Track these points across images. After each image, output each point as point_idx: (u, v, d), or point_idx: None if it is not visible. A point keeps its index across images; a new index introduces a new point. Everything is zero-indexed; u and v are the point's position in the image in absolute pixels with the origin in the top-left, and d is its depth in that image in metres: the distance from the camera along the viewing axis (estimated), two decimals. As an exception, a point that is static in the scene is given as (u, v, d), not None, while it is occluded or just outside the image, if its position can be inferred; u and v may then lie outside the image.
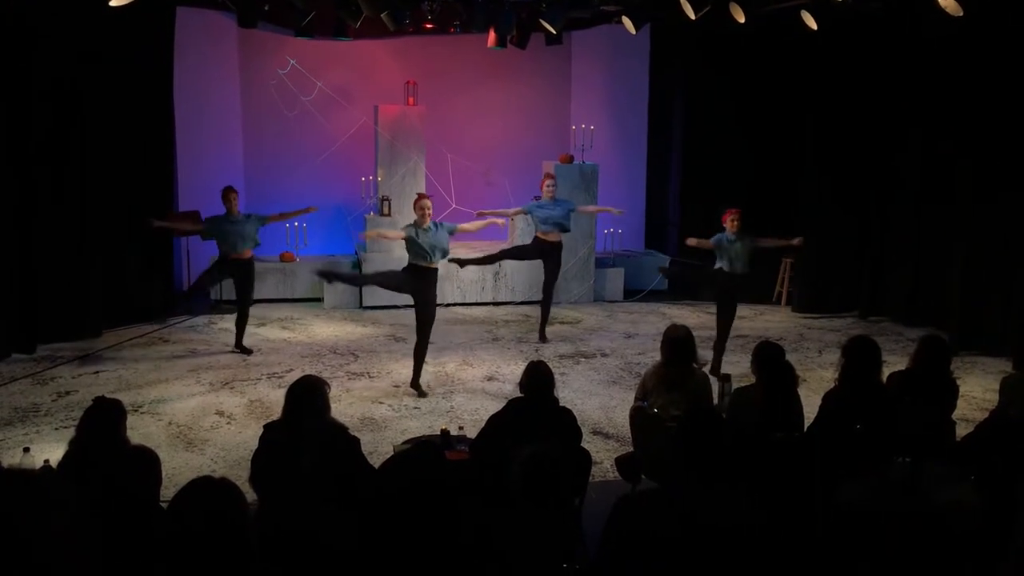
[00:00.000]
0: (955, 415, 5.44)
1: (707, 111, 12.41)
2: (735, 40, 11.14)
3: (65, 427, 6.90)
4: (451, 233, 8.16)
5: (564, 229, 9.80)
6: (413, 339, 8.15)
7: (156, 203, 10.82)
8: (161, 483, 3.48)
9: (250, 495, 3.70)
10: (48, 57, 8.96)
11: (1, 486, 2.38)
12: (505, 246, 12.11)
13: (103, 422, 4.14)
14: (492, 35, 10.94)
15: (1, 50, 8.46)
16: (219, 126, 12.44)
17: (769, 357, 5.21)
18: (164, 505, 3.14)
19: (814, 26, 9.65)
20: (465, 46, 12.63)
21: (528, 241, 11.96)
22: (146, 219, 9.39)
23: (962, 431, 5.30)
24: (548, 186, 9.83)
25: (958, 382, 5.49)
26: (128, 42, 9.96)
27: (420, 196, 8.06)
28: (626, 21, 10.11)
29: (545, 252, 9.80)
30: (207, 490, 2.45)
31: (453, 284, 11.74)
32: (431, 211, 7.92)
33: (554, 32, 11.28)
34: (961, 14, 8.17)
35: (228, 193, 9.19)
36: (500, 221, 10.10)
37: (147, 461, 3.37)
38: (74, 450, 4.10)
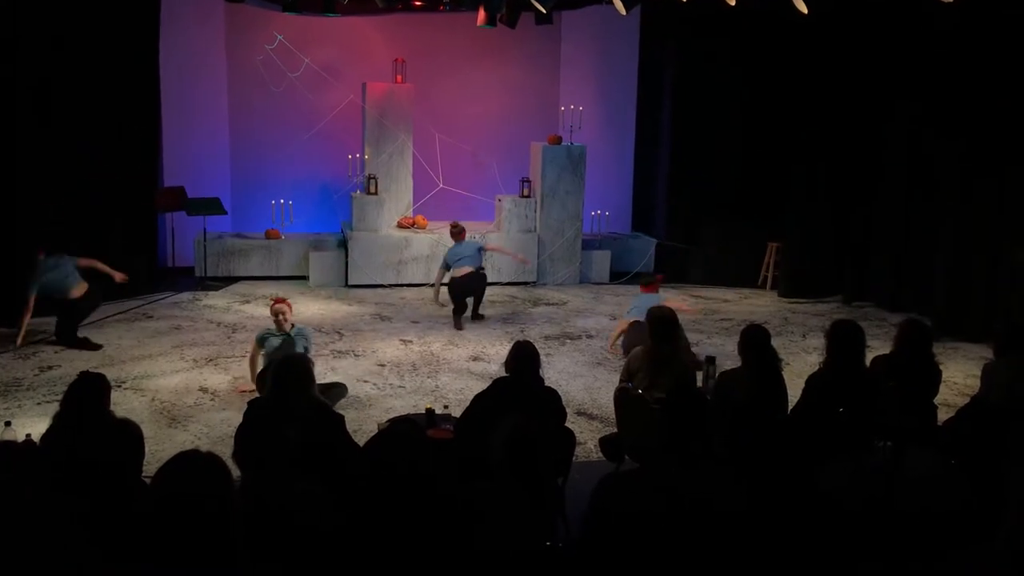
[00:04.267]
0: (937, 400, 5.48)
1: (696, 93, 12.40)
2: (725, 22, 11.10)
3: (47, 401, 6.87)
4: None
5: (476, 262, 9.98)
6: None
7: (141, 179, 10.76)
8: (144, 457, 3.47)
9: (234, 471, 3.69)
10: (30, 31, 8.85)
11: None
12: (491, 229, 12.11)
13: (88, 396, 4.12)
14: (482, 13, 10.87)
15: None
16: (205, 102, 12.34)
17: (755, 340, 5.23)
18: (147, 480, 3.14)
19: (804, 10, 9.62)
20: (454, 24, 12.56)
21: (514, 224, 12.00)
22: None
23: (943, 416, 5.35)
24: (454, 235, 10.22)
25: (940, 367, 5.53)
26: (113, 15, 9.85)
27: (276, 301, 7.13)
28: (616, 2, 10.02)
29: (466, 285, 9.88)
30: (193, 463, 2.44)
31: (439, 264, 11.69)
32: (287, 316, 7.05)
33: (544, 12, 11.20)
34: (952, 0, 8.17)
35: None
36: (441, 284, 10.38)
37: (131, 434, 3.36)
38: (58, 424, 4.08)
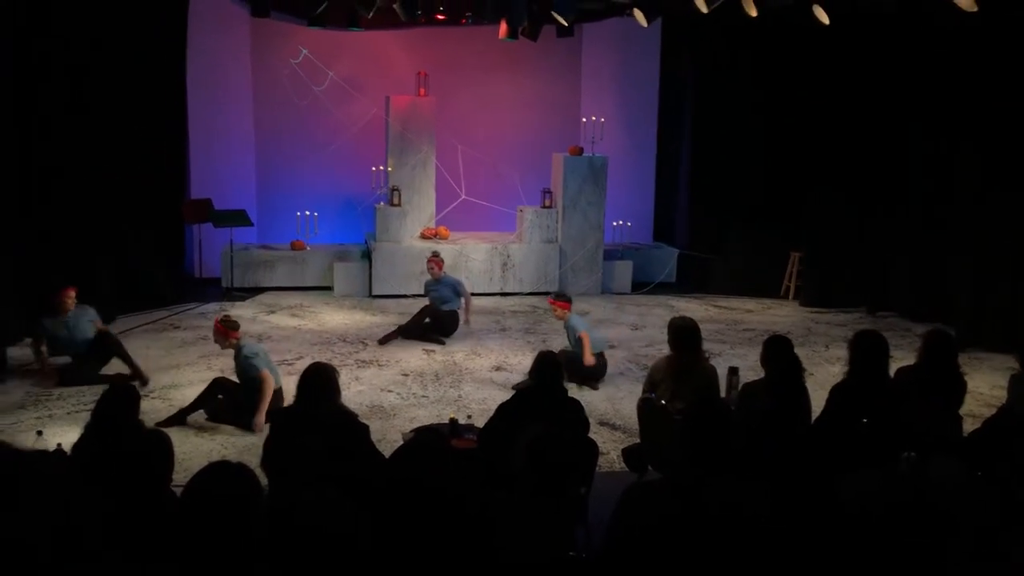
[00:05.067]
0: (962, 411, 5.45)
1: (718, 104, 12.40)
2: (747, 34, 11.12)
3: (77, 411, 6.97)
4: None
5: (456, 298, 9.58)
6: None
7: (169, 191, 10.92)
8: (174, 467, 3.53)
9: (262, 480, 3.74)
10: (60, 44, 9.00)
11: (16, 466, 2.43)
12: (513, 240, 12.16)
13: (118, 406, 4.19)
14: (503, 27, 10.95)
15: (14, 36, 8.49)
16: (231, 114, 12.49)
17: (779, 351, 5.22)
18: (176, 490, 3.19)
19: (826, 21, 9.62)
20: (476, 37, 12.65)
21: (536, 234, 12.03)
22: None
23: (969, 427, 5.32)
24: (429, 268, 9.66)
25: (965, 378, 5.49)
26: (141, 30, 10.01)
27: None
28: (638, 14, 10.09)
29: (443, 319, 9.58)
30: (224, 473, 2.49)
31: (462, 274, 11.76)
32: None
33: (565, 24, 11.28)
34: (975, 10, 8.14)
35: (64, 294, 7.84)
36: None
37: (161, 444, 3.42)
38: (89, 433, 4.15)
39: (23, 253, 8.83)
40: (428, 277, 9.76)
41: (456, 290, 9.64)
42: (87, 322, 7.94)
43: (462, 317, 9.63)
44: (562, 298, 8.46)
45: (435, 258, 9.68)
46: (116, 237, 9.94)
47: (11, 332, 8.52)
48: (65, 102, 9.14)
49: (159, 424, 6.53)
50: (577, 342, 8.07)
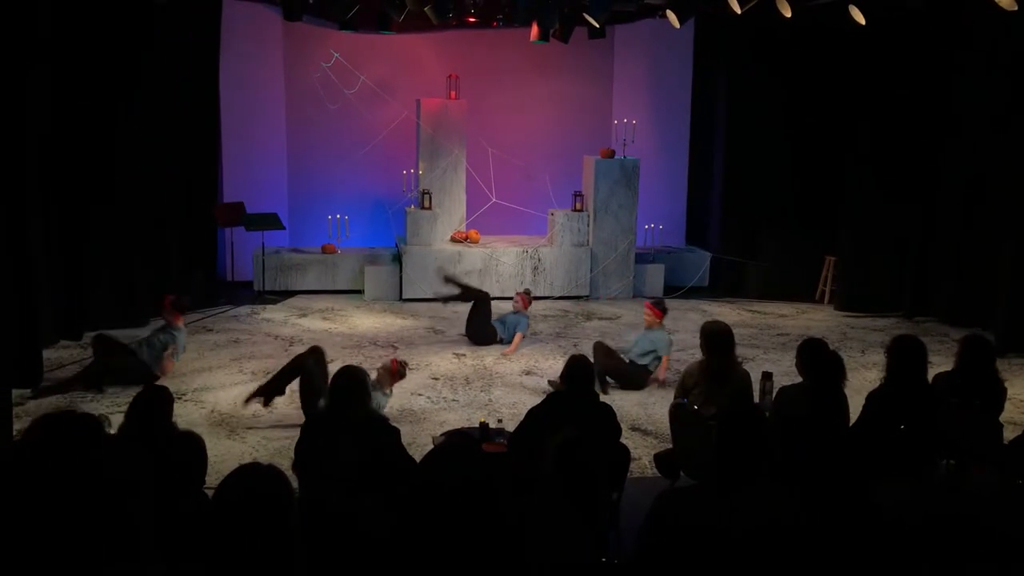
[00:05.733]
0: (1002, 418, 5.34)
1: (751, 106, 12.29)
2: (781, 35, 11.01)
3: (111, 413, 7.02)
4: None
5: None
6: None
7: (202, 194, 11.03)
8: (207, 468, 3.54)
9: (293, 482, 3.75)
10: (96, 49, 9.12)
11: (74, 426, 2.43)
12: (544, 243, 12.14)
13: (153, 407, 4.22)
14: (535, 29, 10.94)
15: (49, 43, 8.60)
16: (264, 118, 12.57)
17: (815, 354, 5.15)
18: (208, 491, 3.20)
19: (862, 21, 9.51)
20: (508, 40, 12.64)
21: (567, 238, 12.00)
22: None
23: (1010, 434, 5.21)
24: (515, 302, 9.59)
25: (1005, 384, 5.39)
26: (175, 35, 10.12)
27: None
28: (670, 15, 10.03)
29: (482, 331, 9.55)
30: (255, 475, 2.49)
31: (492, 278, 11.77)
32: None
33: (597, 26, 11.24)
34: (1015, 8, 8.01)
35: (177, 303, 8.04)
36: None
37: (194, 446, 3.44)
38: (123, 435, 4.18)
39: (61, 256, 8.95)
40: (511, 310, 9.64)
41: (515, 329, 9.41)
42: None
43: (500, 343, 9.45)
44: (660, 306, 8.46)
45: (525, 295, 9.58)
46: (150, 240, 10.04)
47: (48, 335, 8.64)
48: (101, 108, 9.25)
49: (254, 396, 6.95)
50: (654, 359, 8.16)
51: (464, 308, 9.79)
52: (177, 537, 3.05)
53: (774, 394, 5.47)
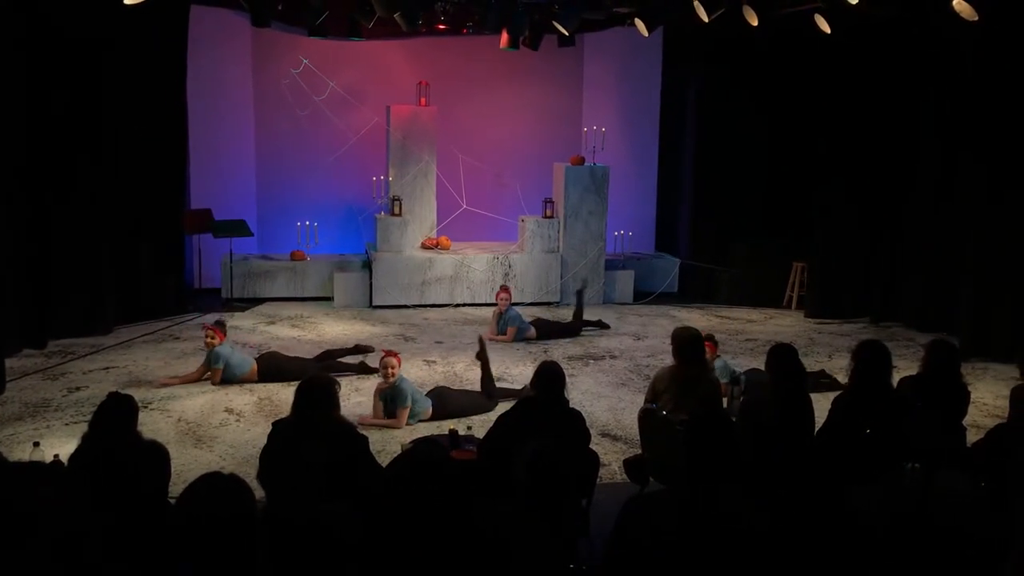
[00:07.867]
0: (966, 421, 5.41)
1: (720, 114, 12.39)
2: (748, 43, 11.12)
3: (75, 422, 6.93)
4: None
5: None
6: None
7: (168, 201, 10.90)
8: (170, 478, 3.49)
9: (258, 492, 3.71)
10: (62, 54, 9.00)
11: (12, 478, 2.40)
12: (515, 250, 12.15)
13: (117, 417, 4.16)
14: (504, 36, 10.96)
15: (15, 48, 8.49)
16: (232, 124, 12.49)
17: (783, 359, 5.18)
18: (172, 501, 3.16)
19: (827, 30, 9.63)
20: (478, 47, 12.65)
21: (537, 244, 12.02)
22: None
23: (972, 437, 5.28)
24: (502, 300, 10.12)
25: (968, 388, 5.46)
26: (142, 39, 10.01)
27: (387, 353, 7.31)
28: (639, 23, 10.09)
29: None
30: (216, 486, 2.46)
31: (463, 285, 11.76)
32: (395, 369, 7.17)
33: (567, 34, 11.29)
34: (976, 19, 8.15)
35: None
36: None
37: (158, 456, 3.39)
38: (86, 444, 4.11)
39: (24, 263, 8.82)
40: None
41: (515, 322, 10.09)
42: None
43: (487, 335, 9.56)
44: (711, 340, 7.50)
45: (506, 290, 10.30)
46: (117, 247, 9.92)
47: (10, 344, 8.50)
48: (66, 113, 9.13)
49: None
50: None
51: (431, 316, 9.75)
52: (140, 547, 3.01)
53: (742, 399, 5.50)
